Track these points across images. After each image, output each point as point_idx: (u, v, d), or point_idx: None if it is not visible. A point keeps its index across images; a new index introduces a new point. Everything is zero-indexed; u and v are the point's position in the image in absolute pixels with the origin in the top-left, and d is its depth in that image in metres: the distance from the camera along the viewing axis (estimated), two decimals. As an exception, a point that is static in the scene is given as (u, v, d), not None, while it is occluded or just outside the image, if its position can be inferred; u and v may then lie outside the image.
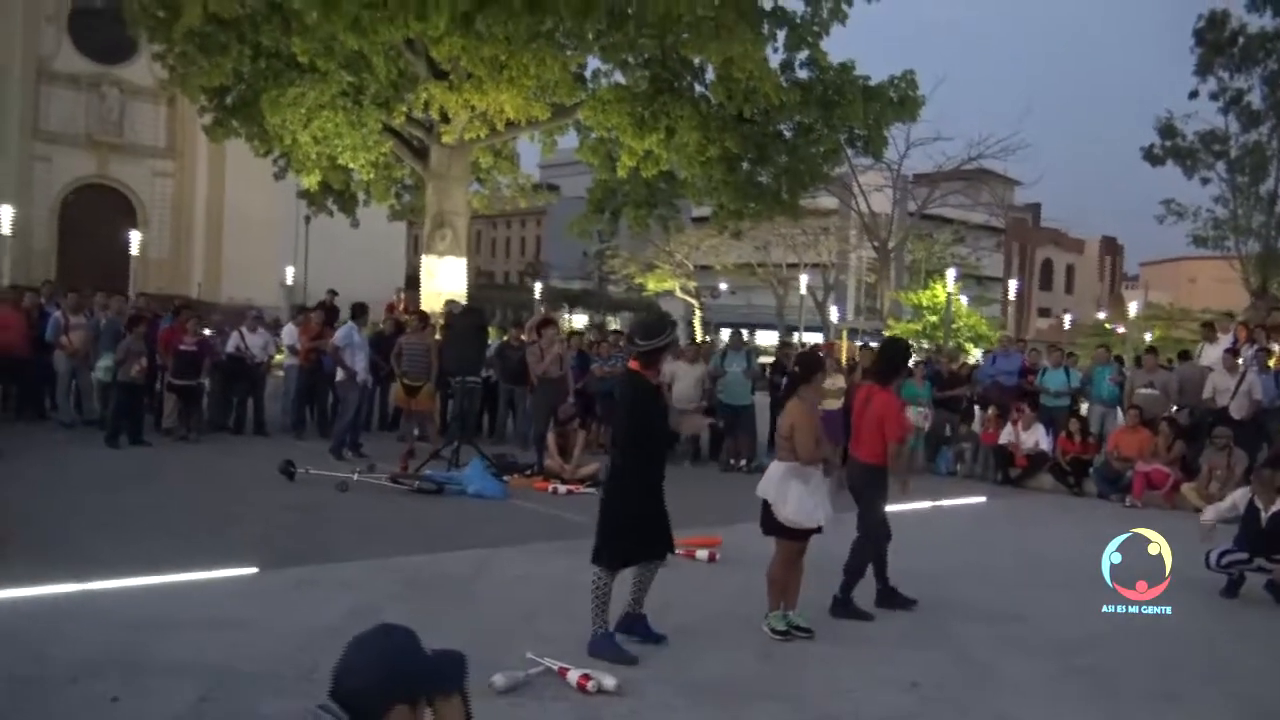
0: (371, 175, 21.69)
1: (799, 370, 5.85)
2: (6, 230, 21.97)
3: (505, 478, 10.46)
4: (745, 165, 20.25)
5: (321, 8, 17.05)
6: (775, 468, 5.75)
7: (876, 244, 33.97)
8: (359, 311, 12.05)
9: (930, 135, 56.93)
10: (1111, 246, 79.47)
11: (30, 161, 38.46)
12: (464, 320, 11.28)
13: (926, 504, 11.16)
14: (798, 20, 19.29)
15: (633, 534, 5.36)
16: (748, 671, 5.32)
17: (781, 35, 19.42)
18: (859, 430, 6.59)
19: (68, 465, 10.16)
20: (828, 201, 37.98)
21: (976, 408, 14.42)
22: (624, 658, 5.28)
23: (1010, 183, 62.81)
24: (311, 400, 13.07)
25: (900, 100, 20.46)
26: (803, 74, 20.07)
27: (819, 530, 5.80)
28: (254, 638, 5.30)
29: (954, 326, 27.25)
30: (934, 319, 28.99)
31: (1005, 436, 13.18)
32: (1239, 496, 7.71)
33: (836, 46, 20.74)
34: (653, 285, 42.37)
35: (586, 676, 4.87)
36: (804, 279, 32.82)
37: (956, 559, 8.38)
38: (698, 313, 43.37)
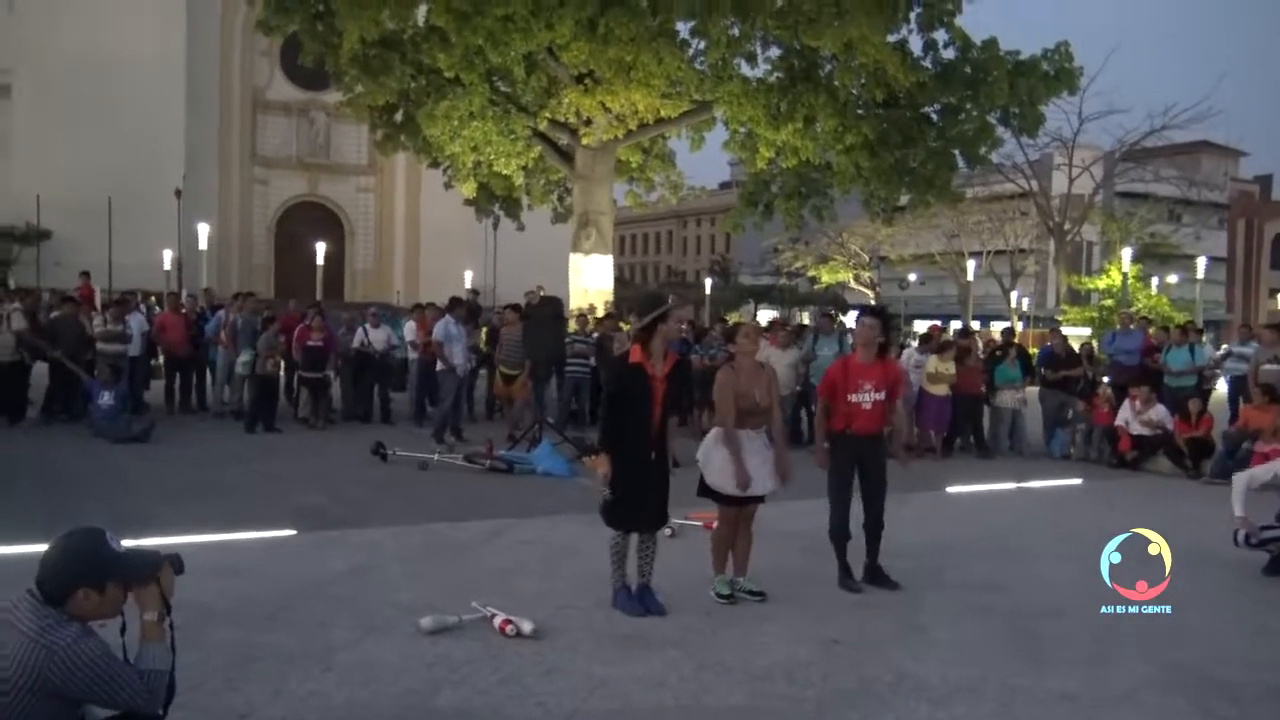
0: (522, 180, 22.87)
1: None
2: (204, 246, 24.53)
3: (585, 459, 10.99)
4: (894, 151, 19.85)
5: (456, 25, 18.40)
6: (709, 435, 6.01)
7: (1051, 224, 32.39)
8: (455, 305, 12.92)
9: (1104, 109, 53.43)
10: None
11: (251, 184, 42.47)
12: (541, 309, 11.90)
13: (1010, 485, 10.95)
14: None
15: (620, 503, 5.64)
16: (674, 627, 5.55)
17: (915, 17, 19.20)
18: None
19: (201, 448, 11.51)
20: (1013, 187, 36.62)
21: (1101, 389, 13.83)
22: (632, 610, 5.67)
23: (1232, 153, 57.94)
24: (432, 390, 14.04)
25: (1056, 74, 19.83)
26: (949, 54, 19.73)
27: (760, 499, 6.01)
28: (250, 584, 6.04)
29: (1133, 309, 25.72)
30: (1109, 303, 27.46)
31: (1121, 417, 12.62)
32: None
33: (1019, 24, 19.95)
34: (826, 277, 41.99)
35: (508, 621, 5.32)
36: (971, 265, 31.73)
37: (990, 536, 8.25)
38: (872, 304, 42.67)
